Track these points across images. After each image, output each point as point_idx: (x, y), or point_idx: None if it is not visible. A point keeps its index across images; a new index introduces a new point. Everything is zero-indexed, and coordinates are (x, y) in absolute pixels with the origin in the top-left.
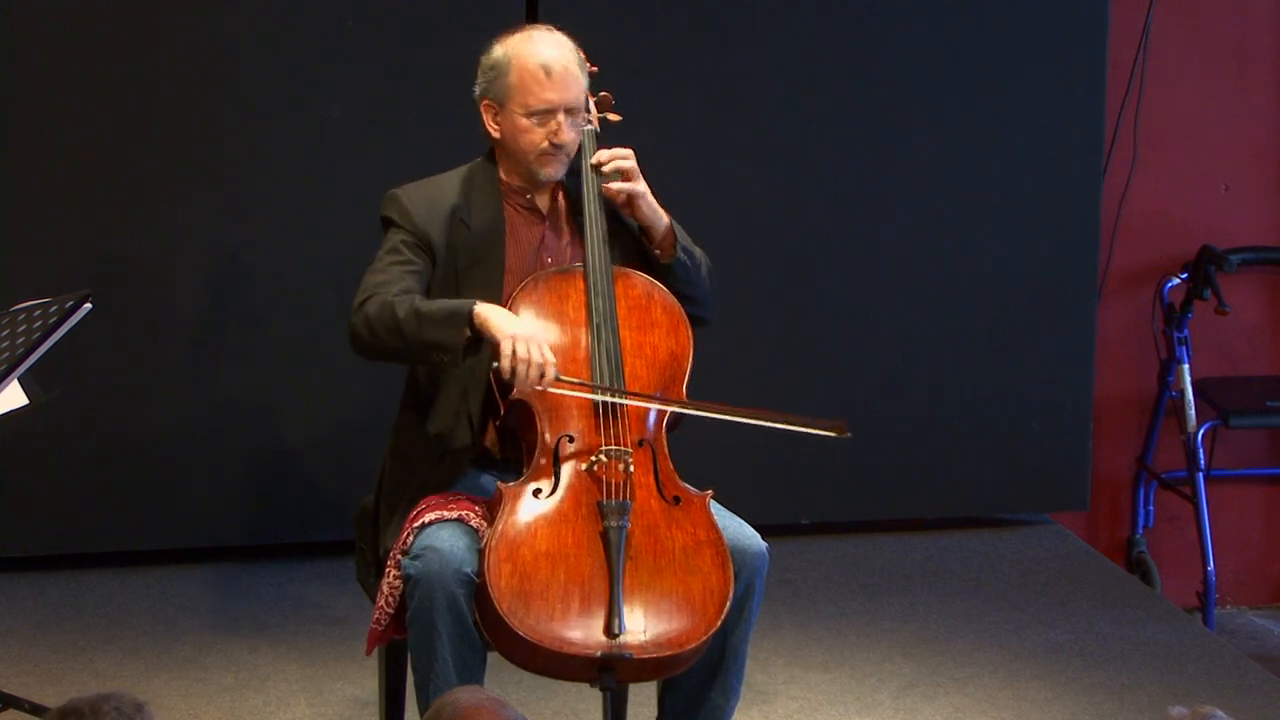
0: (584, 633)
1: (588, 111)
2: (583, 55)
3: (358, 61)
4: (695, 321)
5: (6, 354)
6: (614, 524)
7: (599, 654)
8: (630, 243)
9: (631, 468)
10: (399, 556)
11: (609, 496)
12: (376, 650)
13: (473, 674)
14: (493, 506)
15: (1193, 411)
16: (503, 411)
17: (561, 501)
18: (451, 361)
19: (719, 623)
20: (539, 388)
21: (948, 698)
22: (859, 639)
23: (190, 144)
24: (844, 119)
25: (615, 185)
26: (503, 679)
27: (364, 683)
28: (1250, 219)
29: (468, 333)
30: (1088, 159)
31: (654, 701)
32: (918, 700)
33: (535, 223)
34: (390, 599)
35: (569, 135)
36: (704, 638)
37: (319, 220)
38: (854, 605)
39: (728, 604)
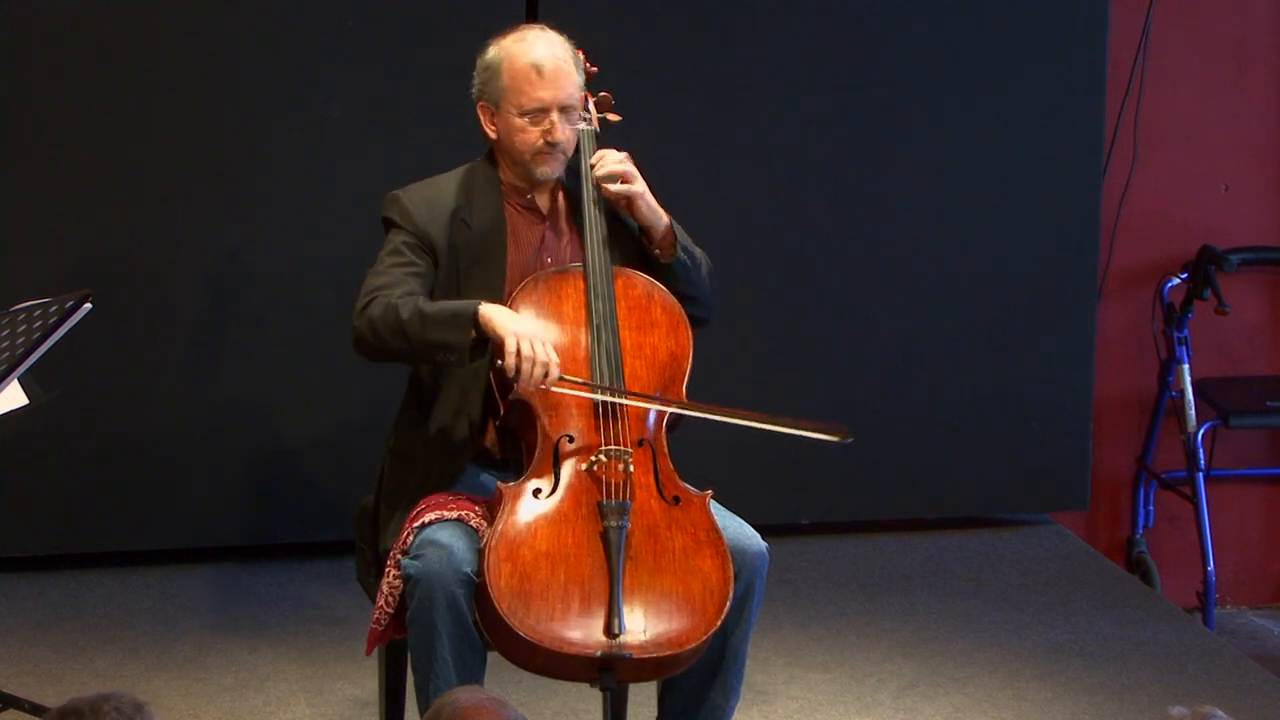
0: (584, 633)
1: (587, 111)
2: (581, 55)
3: (358, 61)
4: (695, 321)
5: (6, 354)
6: (614, 524)
7: (599, 654)
8: (630, 243)
9: (631, 468)
10: (399, 556)
11: (609, 496)
12: (376, 650)
13: (473, 674)
14: (493, 506)
15: (1193, 411)
16: (503, 411)
17: (561, 501)
18: (458, 361)
19: (719, 623)
20: (542, 386)
21: (948, 698)
22: (859, 639)
23: (190, 144)
24: (844, 119)
25: (614, 188)
26: (503, 679)
27: (364, 683)
28: (1250, 219)
29: (473, 333)
30: (1088, 159)
31: (654, 701)
32: (918, 700)
33: (536, 222)
34: (390, 599)
35: (564, 133)
36: (704, 638)
37: (319, 220)
38: (854, 605)
39: (728, 604)
